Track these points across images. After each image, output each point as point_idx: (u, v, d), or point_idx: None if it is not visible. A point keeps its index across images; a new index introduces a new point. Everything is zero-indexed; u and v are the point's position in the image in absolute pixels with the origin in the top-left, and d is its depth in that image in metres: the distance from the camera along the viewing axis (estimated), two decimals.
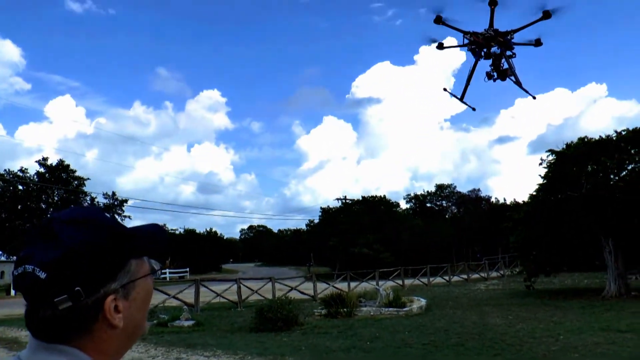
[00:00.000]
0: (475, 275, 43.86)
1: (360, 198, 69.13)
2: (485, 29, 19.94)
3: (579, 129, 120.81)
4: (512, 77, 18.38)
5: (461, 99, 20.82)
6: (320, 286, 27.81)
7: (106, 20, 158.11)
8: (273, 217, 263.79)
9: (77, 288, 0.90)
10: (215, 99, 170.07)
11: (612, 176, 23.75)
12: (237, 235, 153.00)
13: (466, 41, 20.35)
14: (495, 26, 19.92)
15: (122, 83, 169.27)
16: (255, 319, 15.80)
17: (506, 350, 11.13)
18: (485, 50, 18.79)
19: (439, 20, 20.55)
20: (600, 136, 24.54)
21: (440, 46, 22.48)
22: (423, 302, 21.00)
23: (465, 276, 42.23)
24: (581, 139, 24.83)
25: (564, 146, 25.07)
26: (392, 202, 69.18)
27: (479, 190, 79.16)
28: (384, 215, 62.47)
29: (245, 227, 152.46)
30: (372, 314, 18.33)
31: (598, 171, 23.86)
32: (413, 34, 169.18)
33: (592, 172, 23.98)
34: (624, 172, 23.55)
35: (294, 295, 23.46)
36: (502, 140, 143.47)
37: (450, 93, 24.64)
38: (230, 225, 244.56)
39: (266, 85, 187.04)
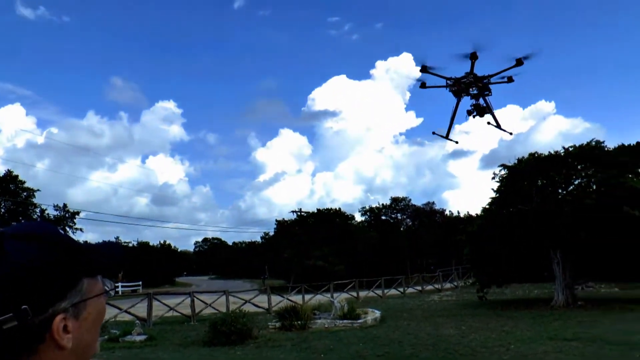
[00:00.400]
0: (430, 287, 44.33)
1: (316, 211, 69.19)
2: (466, 73, 21.16)
3: (529, 144, 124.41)
4: (490, 114, 19.26)
5: (447, 137, 21.75)
6: (275, 299, 27.61)
7: (60, 27, 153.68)
8: (228, 230, 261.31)
9: (23, 307, 0.84)
10: (171, 110, 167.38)
11: (560, 190, 24.49)
12: (191, 248, 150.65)
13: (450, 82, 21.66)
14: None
15: (76, 92, 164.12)
16: (209, 332, 15.55)
17: None
18: (464, 93, 19.92)
19: (424, 69, 21.78)
20: (549, 152, 25.34)
21: (423, 85, 23.33)
22: (377, 313, 21.03)
23: (419, 288, 42.63)
24: (531, 155, 25.55)
25: (516, 161, 25.75)
26: (347, 215, 69.49)
27: (433, 203, 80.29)
28: (339, 227, 62.66)
29: (200, 239, 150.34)
30: (326, 326, 18.23)
31: (547, 185, 24.61)
32: (369, 48, 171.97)
33: (542, 187, 24.70)
34: (572, 187, 24.33)
35: (248, 308, 23.20)
36: (456, 154, 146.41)
37: (439, 134, 26.00)
38: (184, 238, 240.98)
39: (222, 97, 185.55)
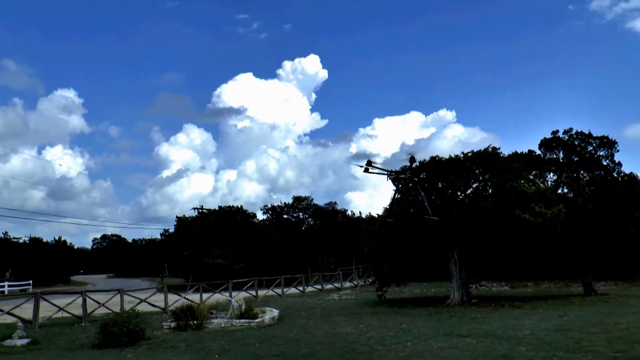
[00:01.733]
0: (329, 286, 44.57)
1: (218, 208, 67.89)
2: (403, 168, 23.96)
3: (429, 150, 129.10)
4: (424, 202, 20.89)
5: (388, 219, 23.94)
6: (172, 298, 26.58)
7: None
8: (128, 226, 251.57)
9: None
10: (71, 99, 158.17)
11: (459, 193, 25.24)
12: (89, 245, 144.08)
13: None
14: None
15: None
16: (99, 334, 14.54)
17: (356, 359, 11.09)
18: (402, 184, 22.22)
19: (369, 163, 24.08)
20: (450, 156, 26.05)
21: (370, 163, 24.55)
22: (276, 312, 20.73)
23: (319, 287, 42.71)
24: (433, 158, 26.14)
25: (417, 164, 26.27)
26: (249, 213, 68.70)
27: (335, 203, 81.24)
28: (240, 225, 61.77)
29: (99, 236, 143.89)
30: (223, 326, 17.71)
31: (447, 188, 25.26)
32: (277, 48, 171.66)
33: (442, 189, 25.33)
34: (470, 190, 25.15)
35: (144, 307, 22.19)
36: (358, 157, 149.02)
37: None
38: (82, 234, 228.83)
39: (126, 89, 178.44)
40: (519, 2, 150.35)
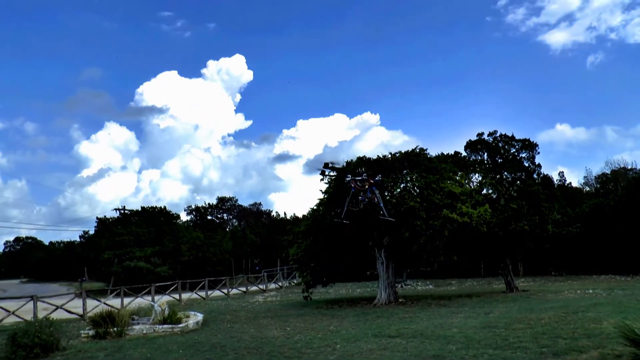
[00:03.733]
0: (254, 288, 43.88)
1: (140, 209, 65.58)
2: (361, 171, 23.52)
3: (352, 152, 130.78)
4: (380, 203, 20.80)
5: (342, 219, 22.92)
6: (91, 303, 25.18)
7: None
8: (45, 228, 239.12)
9: None
10: None
11: (386, 193, 25.20)
12: (0, 248, 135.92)
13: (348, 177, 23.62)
14: None
15: None
16: (7, 347, 13.33)
17: None
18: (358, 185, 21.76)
19: (326, 165, 24.58)
20: (377, 156, 26.00)
21: (326, 166, 24.96)
22: (200, 317, 20.03)
23: (244, 289, 41.93)
24: (360, 158, 26.01)
25: (344, 164, 26.06)
26: (173, 214, 66.78)
27: (260, 204, 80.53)
28: (163, 227, 59.86)
29: (11, 238, 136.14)
30: (145, 332, 16.85)
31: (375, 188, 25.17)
32: (202, 47, 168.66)
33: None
34: (398, 190, 25.18)
35: (61, 315, 20.83)
36: (282, 158, 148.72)
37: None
38: None
39: (42, 83, 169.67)
40: (442, 11, 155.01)
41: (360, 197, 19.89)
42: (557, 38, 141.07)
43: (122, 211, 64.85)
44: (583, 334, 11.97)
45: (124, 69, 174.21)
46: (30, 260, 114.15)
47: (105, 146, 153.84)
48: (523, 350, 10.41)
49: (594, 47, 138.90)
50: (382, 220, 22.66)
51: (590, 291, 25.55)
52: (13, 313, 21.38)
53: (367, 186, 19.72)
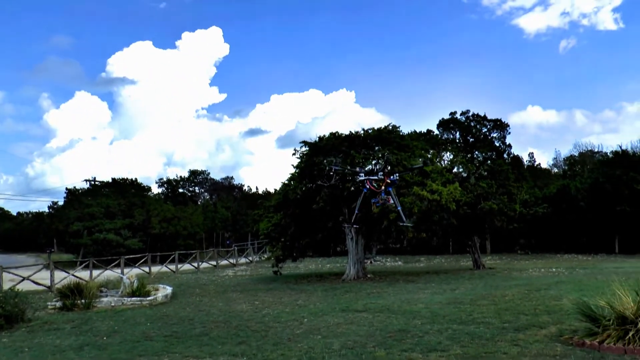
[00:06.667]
0: (225, 262, 43.87)
1: (111, 180, 64.62)
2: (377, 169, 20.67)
3: (326, 129, 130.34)
4: (397, 207, 19.31)
5: (352, 223, 21.76)
6: (59, 275, 24.85)
7: None
8: (13, 198, 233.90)
9: None
10: None
11: (358, 169, 25.23)
12: None
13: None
14: None
15: None
16: None
17: (251, 337, 10.64)
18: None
19: (330, 169, 23.71)
20: (350, 132, 25.99)
21: (331, 162, 23.79)
22: (169, 290, 19.98)
23: (214, 263, 41.90)
24: (332, 134, 25.95)
25: (317, 139, 26.02)
26: (144, 186, 66.00)
27: (232, 178, 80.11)
28: (134, 199, 59.20)
29: None
30: (113, 305, 16.77)
31: (347, 164, 25.19)
32: (177, 18, 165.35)
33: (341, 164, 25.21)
34: (369, 166, 25.21)
35: (27, 286, 20.54)
36: (253, 132, 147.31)
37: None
38: None
39: (9, 50, 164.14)
40: None
41: (373, 200, 18.45)
42: (532, 22, 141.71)
43: (93, 182, 63.89)
44: (544, 310, 12.32)
45: (96, 38, 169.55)
46: None
47: (76, 116, 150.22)
48: (486, 326, 10.66)
49: (567, 32, 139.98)
50: (351, 196, 22.75)
51: (554, 270, 26.16)
52: None
53: (383, 186, 18.29)
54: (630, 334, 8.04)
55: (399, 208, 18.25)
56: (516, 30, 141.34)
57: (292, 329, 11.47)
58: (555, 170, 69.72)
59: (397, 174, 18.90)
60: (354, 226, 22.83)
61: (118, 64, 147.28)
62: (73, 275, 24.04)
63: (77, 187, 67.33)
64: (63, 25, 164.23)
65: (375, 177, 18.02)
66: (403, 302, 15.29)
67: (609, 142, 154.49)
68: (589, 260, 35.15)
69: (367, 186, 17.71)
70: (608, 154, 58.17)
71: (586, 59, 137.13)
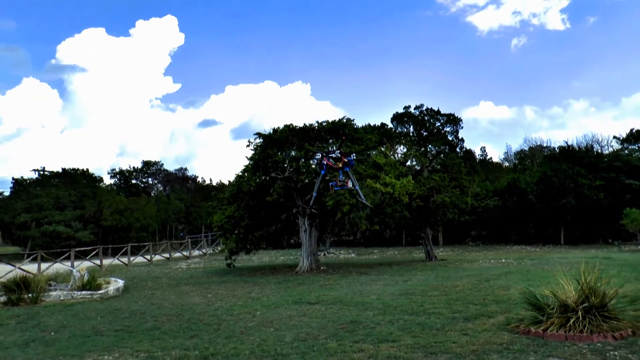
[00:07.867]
0: (178, 254, 43.30)
1: (61, 170, 62.72)
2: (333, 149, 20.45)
3: (280, 121, 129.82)
4: (355, 186, 18.99)
5: (310, 207, 22.54)
6: (5, 268, 24.14)
7: None
8: None
9: None
10: None
11: (312, 161, 25.30)
12: None
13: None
14: None
15: None
16: None
17: (204, 331, 10.57)
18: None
19: (300, 147, 24.05)
20: (304, 124, 25.99)
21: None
22: (120, 283, 19.65)
23: (167, 255, 41.33)
24: (287, 126, 25.92)
25: (271, 131, 25.94)
26: (95, 177, 64.32)
27: (186, 169, 79.09)
28: (85, 190, 57.68)
29: None
30: (62, 298, 16.37)
31: (301, 156, 25.22)
32: (131, 5, 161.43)
33: (295, 157, 25.24)
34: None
35: None
36: (206, 123, 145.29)
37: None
38: None
39: None
40: None
41: (331, 183, 18.27)
42: (485, 20, 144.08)
43: (42, 172, 61.93)
44: (493, 300, 12.66)
45: (43, 24, 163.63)
46: None
47: (24, 104, 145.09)
48: (437, 316, 10.88)
49: (518, 30, 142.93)
50: (306, 188, 22.79)
51: (503, 260, 26.87)
52: None
53: (340, 166, 18.06)
54: (572, 321, 8.39)
55: (357, 187, 18.23)
56: (470, 27, 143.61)
57: (245, 321, 11.44)
58: (506, 164, 71.67)
59: (354, 154, 18.95)
60: (312, 210, 22.76)
61: (69, 50, 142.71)
62: (20, 268, 23.34)
63: (24, 177, 65.12)
64: (6, 9, 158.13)
65: (333, 155, 18.09)
66: (355, 294, 15.44)
67: (556, 137, 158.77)
68: (537, 251, 36.24)
69: (325, 162, 17.58)
70: (555, 149, 60.41)
71: (536, 57, 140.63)
